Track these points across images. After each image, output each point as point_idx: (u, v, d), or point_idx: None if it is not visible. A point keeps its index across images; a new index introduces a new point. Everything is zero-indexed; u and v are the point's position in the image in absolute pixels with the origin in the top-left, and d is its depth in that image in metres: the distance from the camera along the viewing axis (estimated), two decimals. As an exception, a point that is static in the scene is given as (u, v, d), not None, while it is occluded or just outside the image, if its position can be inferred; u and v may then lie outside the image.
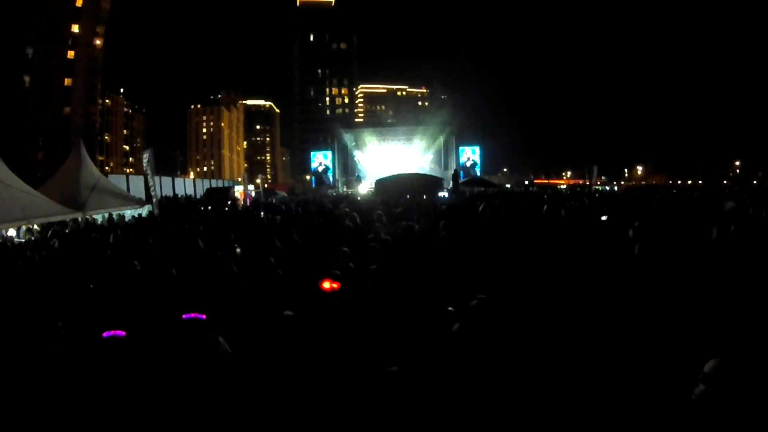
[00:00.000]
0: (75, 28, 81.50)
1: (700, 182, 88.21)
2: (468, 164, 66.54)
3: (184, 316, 4.26)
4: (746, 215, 12.05)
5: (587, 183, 66.52)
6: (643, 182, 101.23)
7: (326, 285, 5.36)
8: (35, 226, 15.05)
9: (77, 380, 3.89)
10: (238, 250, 9.08)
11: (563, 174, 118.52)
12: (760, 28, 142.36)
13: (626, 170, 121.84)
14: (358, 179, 60.74)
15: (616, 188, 60.35)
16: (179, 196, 34.95)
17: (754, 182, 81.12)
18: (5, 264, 9.35)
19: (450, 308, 4.81)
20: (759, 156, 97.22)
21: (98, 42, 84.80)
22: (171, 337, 4.47)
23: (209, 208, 24.93)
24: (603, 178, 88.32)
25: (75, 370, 4.05)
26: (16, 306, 5.76)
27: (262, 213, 18.30)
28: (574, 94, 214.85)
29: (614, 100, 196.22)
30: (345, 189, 58.85)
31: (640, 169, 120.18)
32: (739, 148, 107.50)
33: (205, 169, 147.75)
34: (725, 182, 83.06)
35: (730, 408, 2.61)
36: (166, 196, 30.91)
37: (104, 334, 4.07)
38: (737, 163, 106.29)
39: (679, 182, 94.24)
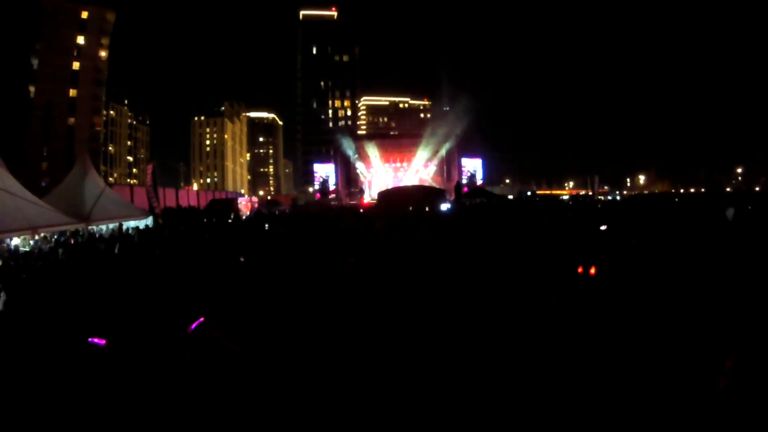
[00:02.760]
0: (80, 40, 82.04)
1: (703, 189, 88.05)
2: (470, 175, 66.53)
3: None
4: (748, 221, 12.08)
5: (589, 192, 66.58)
6: (645, 190, 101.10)
7: None
8: (41, 235, 15.08)
9: (66, 383, 3.93)
10: (241, 258, 9.14)
11: (565, 184, 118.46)
12: (762, 35, 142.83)
13: (628, 179, 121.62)
14: (361, 191, 60.82)
15: (618, 197, 60.36)
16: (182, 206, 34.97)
17: (756, 188, 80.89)
18: (13, 272, 9.41)
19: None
20: (761, 161, 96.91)
21: (103, 53, 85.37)
22: (173, 344, 4.51)
23: (213, 219, 25.02)
24: (605, 187, 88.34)
25: (62, 373, 4.09)
26: (23, 312, 5.81)
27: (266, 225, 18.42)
28: (576, 104, 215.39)
29: (616, 109, 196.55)
30: (348, 200, 58.88)
31: (642, 177, 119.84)
32: (740, 153, 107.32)
33: (208, 180, 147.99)
34: (727, 188, 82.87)
35: (750, 403, 2.65)
36: (169, 207, 31.00)
37: (89, 340, 4.13)
38: (739, 169, 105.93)
39: (682, 189, 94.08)
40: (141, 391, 3.90)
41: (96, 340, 4.18)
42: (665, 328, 4.66)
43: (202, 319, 4.49)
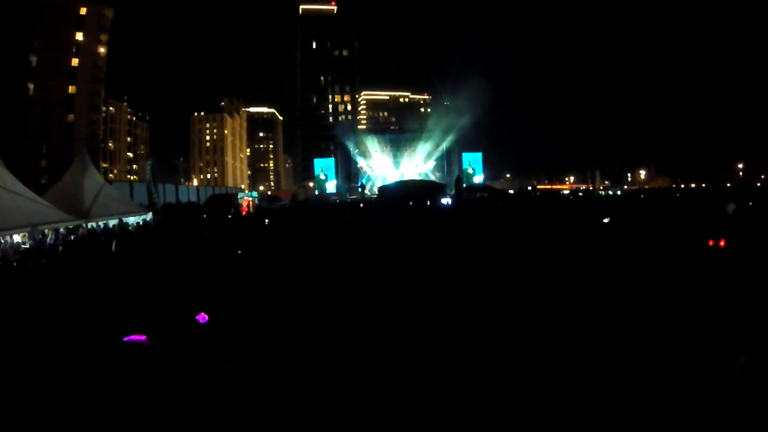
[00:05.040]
0: (78, 36, 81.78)
1: (703, 185, 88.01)
2: (470, 170, 66.57)
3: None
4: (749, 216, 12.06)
5: (590, 188, 66.64)
6: (646, 186, 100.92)
7: None
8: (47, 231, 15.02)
9: (95, 381, 3.90)
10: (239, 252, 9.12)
11: (566, 179, 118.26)
12: (762, 30, 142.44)
13: (629, 174, 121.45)
14: (361, 186, 60.80)
15: (619, 192, 60.36)
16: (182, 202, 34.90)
17: (757, 184, 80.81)
18: (15, 269, 9.39)
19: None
20: (761, 157, 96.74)
21: (101, 49, 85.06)
22: (179, 341, 4.49)
23: (213, 215, 24.95)
24: (606, 182, 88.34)
25: (93, 372, 4.05)
26: (28, 309, 5.78)
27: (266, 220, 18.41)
28: (577, 100, 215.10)
29: (616, 105, 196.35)
30: (347, 195, 58.92)
31: (642, 172, 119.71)
32: (741, 149, 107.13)
33: (208, 176, 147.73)
34: (728, 184, 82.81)
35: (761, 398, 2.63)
36: (169, 202, 30.95)
37: (126, 339, 4.10)
38: (740, 165, 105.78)
39: (683, 185, 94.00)
40: (170, 385, 3.89)
41: (134, 337, 4.16)
42: (677, 325, 4.65)
43: (203, 314, 4.48)
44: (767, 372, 2.77)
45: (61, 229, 15.36)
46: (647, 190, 65.25)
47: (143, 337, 4.17)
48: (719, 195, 27.23)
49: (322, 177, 67.08)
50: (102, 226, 18.22)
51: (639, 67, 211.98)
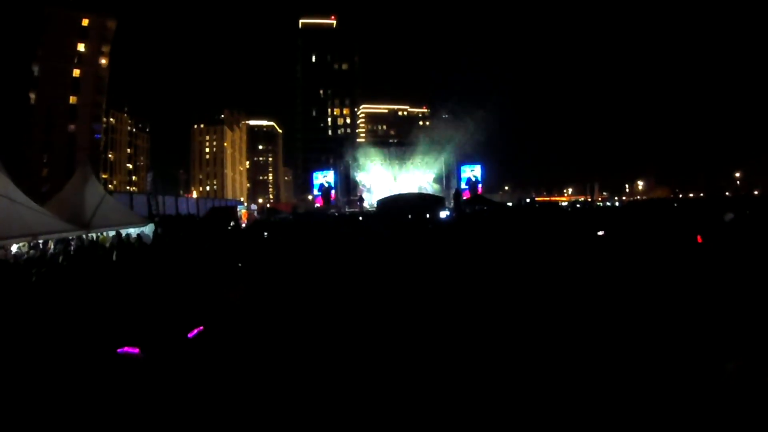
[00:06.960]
0: (81, 47, 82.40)
1: (702, 194, 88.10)
2: (470, 183, 66.65)
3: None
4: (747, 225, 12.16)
5: (588, 199, 66.75)
6: (644, 196, 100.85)
7: None
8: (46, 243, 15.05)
9: (92, 392, 3.95)
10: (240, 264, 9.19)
11: (564, 191, 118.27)
12: (759, 42, 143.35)
13: (627, 185, 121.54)
14: (360, 199, 60.84)
15: (617, 203, 60.49)
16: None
17: (755, 192, 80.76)
18: (16, 279, 9.42)
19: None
20: (760, 166, 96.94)
21: (103, 61, 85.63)
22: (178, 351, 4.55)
23: (212, 227, 25.00)
24: (604, 193, 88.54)
25: (90, 383, 4.10)
26: (29, 320, 5.83)
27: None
28: (575, 112, 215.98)
29: (615, 117, 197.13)
30: (346, 208, 58.95)
31: (641, 183, 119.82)
32: (739, 158, 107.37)
33: (208, 188, 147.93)
34: (727, 193, 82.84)
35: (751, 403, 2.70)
36: (168, 214, 30.99)
37: (119, 350, 4.16)
38: (737, 174, 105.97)
39: (681, 195, 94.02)
40: (157, 396, 3.93)
41: (128, 349, 4.21)
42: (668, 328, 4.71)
43: (201, 327, 4.55)
44: (758, 378, 2.83)
45: (50, 241, 15.37)
46: (645, 200, 65.33)
47: (137, 350, 4.22)
48: (717, 204, 27.30)
49: (325, 186, 67.05)
50: (101, 236, 18.24)
51: (637, 79, 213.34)
